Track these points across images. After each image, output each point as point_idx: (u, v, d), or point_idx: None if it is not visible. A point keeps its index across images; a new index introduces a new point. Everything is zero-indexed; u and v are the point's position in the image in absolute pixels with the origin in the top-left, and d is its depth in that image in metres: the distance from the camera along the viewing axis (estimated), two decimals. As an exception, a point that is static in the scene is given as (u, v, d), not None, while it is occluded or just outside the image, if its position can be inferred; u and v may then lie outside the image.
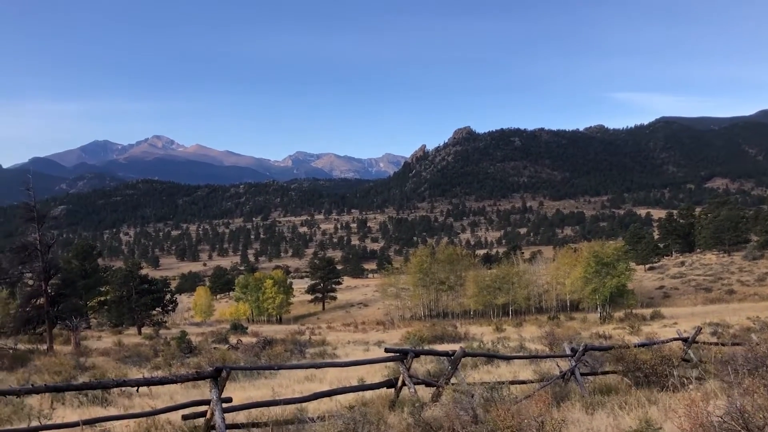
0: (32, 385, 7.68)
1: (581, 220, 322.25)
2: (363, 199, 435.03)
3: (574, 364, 11.92)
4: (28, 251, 46.00)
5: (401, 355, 10.43)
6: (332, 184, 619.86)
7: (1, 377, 22.67)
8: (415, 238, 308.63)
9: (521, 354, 18.81)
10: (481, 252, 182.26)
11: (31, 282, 50.77)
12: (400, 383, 10.38)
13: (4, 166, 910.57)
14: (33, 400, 12.70)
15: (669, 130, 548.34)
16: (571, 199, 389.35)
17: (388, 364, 14.68)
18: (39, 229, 45.96)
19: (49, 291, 45.55)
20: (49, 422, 8.94)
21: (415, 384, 10.31)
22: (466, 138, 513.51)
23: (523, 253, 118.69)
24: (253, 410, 9.57)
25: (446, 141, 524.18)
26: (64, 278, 49.98)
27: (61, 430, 8.51)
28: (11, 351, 34.82)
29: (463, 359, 11.39)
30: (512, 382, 11.99)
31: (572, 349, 12.44)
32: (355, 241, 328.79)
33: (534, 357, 15.21)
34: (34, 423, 8.61)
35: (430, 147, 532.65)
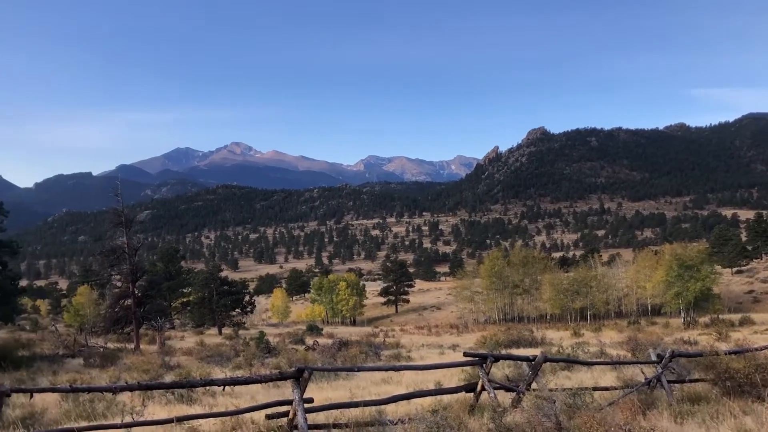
0: (126, 382, 8.03)
1: (662, 222, 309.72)
2: (435, 202, 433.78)
3: (660, 371, 11.46)
4: (117, 254, 48.21)
5: (480, 360, 10.32)
6: (404, 187, 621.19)
7: (93, 374, 23.87)
8: (488, 241, 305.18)
9: (602, 360, 18.28)
10: (557, 255, 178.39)
11: (119, 284, 53.13)
12: (479, 388, 10.27)
13: (94, 174, 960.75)
14: (124, 397, 13.28)
15: (756, 126, 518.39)
16: (651, 200, 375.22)
17: (465, 368, 14.58)
18: (127, 233, 48.08)
19: (136, 292, 47.55)
20: (141, 419, 9.35)
21: (494, 389, 10.17)
22: (540, 138, 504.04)
23: (601, 255, 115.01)
24: (332, 411, 9.69)
25: (520, 142, 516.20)
26: (149, 280, 52.04)
27: (153, 426, 8.90)
28: (102, 350, 36.63)
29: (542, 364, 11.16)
30: (594, 389, 11.64)
31: (658, 356, 11.98)
32: (426, 243, 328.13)
33: (616, 363, 14.75)
34: (128, 419, 9.00)
35: (503, 148, 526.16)
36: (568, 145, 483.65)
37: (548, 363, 13.46)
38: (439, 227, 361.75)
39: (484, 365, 10.23)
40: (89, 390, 7.42)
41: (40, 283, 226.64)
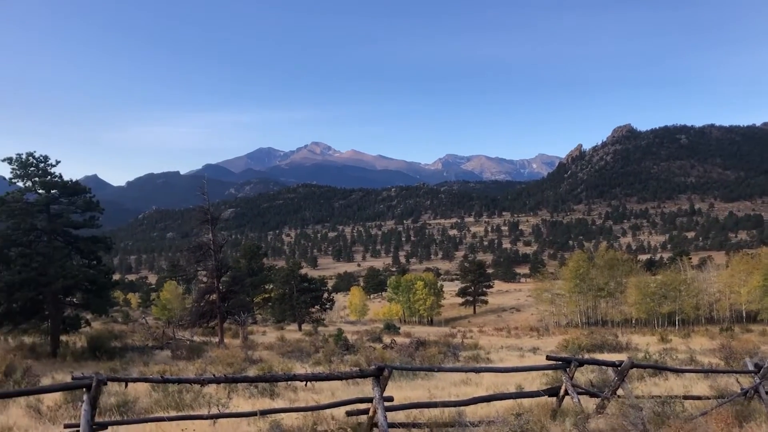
0: (214, 375, 8.29)
1: (759, 224, 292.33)
2: (515, 202, 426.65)
3: (758, 381, 10.80)
4: (203, 251, 49.99)
5: (564, 363, 10.04)
6: (482, 186, 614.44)
7: (181, 366, 24.85)
8: (570, 242, 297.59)
9: (693, 367, 17.45)
10: (643, 257, 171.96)
11: (205, 279, 55.11)
12: (562, 392, 10.00)
13: (182, 173, 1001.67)
14: (210, 389, 13.72)
15: None
16: (746, 200, 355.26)
17: (546, 371, 14.23)
18: (212, 230, 49.77)
19: (221, 288, 49.20)
20: (227, 410, 9.65)
21: (578, 394, 9.88)
22: (626, 136, 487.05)
23: (690, 258, 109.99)
24: (412, 410, 9.67)
25: (604, 140, 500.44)
26: (233, 276, 53.69)
27: (238, 418, 9.15)
28: (188, 342, 38.10)
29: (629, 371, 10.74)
30: (685, 398, 11.11)
31: (756, 365, 11.30)
32: (506, 244, 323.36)
33: (709, 371, 14.03)
34: (214, 410, 9.30)
35: (587, 146, 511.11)
36: (655, 143, 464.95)
37: (635, 369, 12.95)
38: (519, 227, 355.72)
39: (567, 369, 9.95)
40: (179, 381, 7.71)
41: (131, 277, 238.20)
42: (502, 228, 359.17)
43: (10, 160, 34.18)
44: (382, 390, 8.35)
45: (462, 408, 9.89)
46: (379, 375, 8.39)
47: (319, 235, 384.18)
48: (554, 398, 10.15)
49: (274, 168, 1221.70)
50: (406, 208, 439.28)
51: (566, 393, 9.92)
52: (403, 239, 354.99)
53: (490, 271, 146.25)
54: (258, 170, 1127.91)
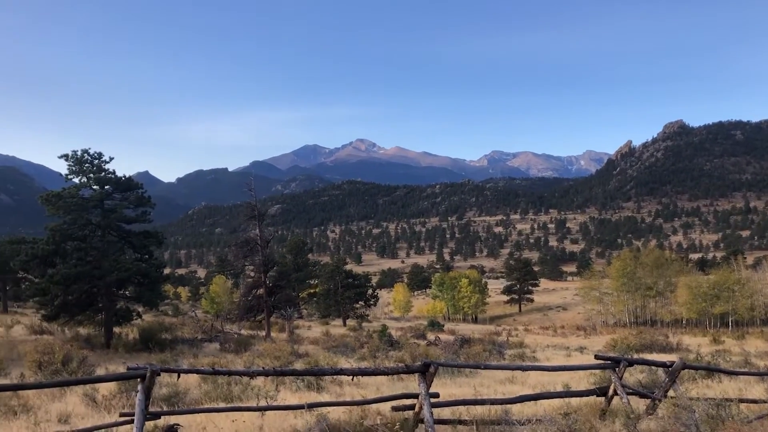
0: (263, 368, 8.43)
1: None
2: (562, 199, 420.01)
3: (818, 386, 10.43)
4: (250, 246, 50.82)
5: (613, 363, 9.87)
6: (529, 183, 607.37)
7: (229, 359, 25.35)
8: (619, 240, 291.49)
9: (748, 370, 16.93)
10: (695, 256, 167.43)
11: (252, 274, 56.06)
12: (611, 392, 9.83)
13: (230, 169, 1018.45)
14: (257, 381, 13.95)
15: None
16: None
17: (594, 371, 14.01)
18: (259, 226, 50.56)
19: (268, 282, 49.93)
20: (275, 403, 9.80)
21: (627, 394, 9.70)
22: (677, 132, 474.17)
23: (745, 258, 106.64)
24: (458, 407, 9.64)
25: (655, 136, 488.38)
26: (280, 271, 54.47)
27: (285, 411, 9.29)
28: (236, 336, 38.76)
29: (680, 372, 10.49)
30: (740, 401, 10.78)
31: (816, 369, 10.91)
32: (552, 242, 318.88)
33: (765, 374, 13.58)
34: (262, 403, 9.46)
35: (637, 143, 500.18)
36: (709, 139, 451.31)
37: (686, 370, 12.63)
38: (566, 225, 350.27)
39: (617, 369, 9.77)
40: (229, 373, 7.86)
41: (181, 271, 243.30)
42: (549, 225, 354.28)
43: (66, 157, 35.36)
44: (428, 386, 8.35)
45: (508, 406, 9.82)
46: (425, 371, 8.39)
47: (363, 231, 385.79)
48: (603, 398, 9.99)
49: (320, 165, 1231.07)
50: (451, 204, 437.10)
51: (615, 393, 9.75)
52: (448, 236, 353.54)
53: (536, 269, 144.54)
54: (304, 167, 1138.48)
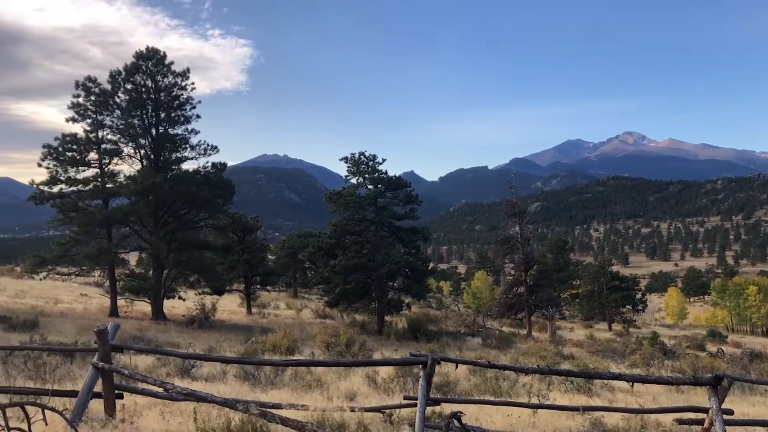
0: (537, 366, 8.40)
1: None
2: None
3: None
4: (510, 243, 51.05)
5: None
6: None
7: (493, 354, 25.73)
8: None
9: None
10: None
11: (512, 271, 56.18)
12: None
13: (489, 167, 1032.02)
14: (524, 379, 13.91)
15: None
16: None
17: None
18: (519, 223, 50.55)
19: (528, 281, 49.66)
20: (547, 402, 9.69)
21: None
22: None
23: None
24: (756, 428, 8.61)
25: None
26: (540, 270, 53.76)
27: (557, 411, 9.13)
28: (497, 332, 39.21)
29: None
30: None
31: None
32: None
33: None
34: (534, 400, 9.41)
35: None
36: None
37: None
38: None
39: None
40: (504, 368, 7.94)
41: (443, 266, 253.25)
42: None
43: (345, 159, 39.40)
44: (721, 401, 7.56)
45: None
46: (717, 384, 7.61)
47: (630, 230, 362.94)
48: None
49: (583, 160, 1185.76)
50: (736, 202, 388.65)
51: None
52: (731, 237, 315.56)
53: None
54: (565, 163, 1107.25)
